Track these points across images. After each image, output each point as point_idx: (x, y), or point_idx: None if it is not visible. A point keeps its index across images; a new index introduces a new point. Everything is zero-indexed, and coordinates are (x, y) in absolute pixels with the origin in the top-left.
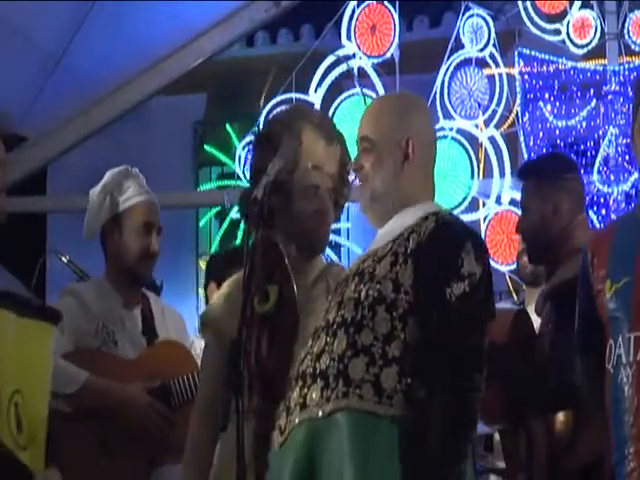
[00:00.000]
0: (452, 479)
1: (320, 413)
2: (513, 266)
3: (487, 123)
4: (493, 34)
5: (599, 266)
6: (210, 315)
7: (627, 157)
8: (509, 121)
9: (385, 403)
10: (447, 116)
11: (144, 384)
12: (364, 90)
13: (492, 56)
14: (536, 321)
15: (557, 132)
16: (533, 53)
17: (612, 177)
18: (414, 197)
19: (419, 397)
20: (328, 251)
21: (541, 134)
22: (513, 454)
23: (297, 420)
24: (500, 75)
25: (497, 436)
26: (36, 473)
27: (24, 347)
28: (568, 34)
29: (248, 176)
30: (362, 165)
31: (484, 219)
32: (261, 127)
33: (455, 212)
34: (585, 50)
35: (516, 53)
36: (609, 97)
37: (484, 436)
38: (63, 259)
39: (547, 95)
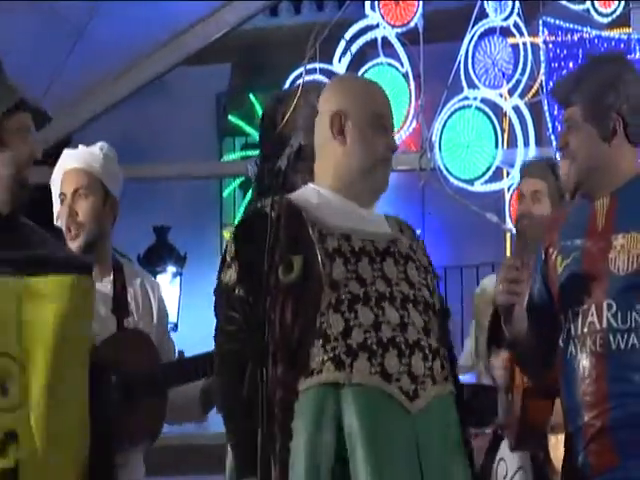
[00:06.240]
0: None
1: (444, 392)
2: None
3: (511, 92)
4: (517, 3)
5: (551, 244)
6: None
7: None
8: (533, 90)
9: None
10: (471, 85)
11: None
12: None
13: (516, 25)
14: None
15: None
16: (557, 22)
17: None
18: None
19: None
20: None
21: None
22: None
23: (433, 393)
24: (524, 44)
25: None
26: (21, 434)
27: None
28: (592, 3)
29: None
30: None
31: (508, 189)
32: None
33: (479, 182)
34: (610, 19)
35: (540, 22)
36: None
37: None
38: None
39: (571, 64)
